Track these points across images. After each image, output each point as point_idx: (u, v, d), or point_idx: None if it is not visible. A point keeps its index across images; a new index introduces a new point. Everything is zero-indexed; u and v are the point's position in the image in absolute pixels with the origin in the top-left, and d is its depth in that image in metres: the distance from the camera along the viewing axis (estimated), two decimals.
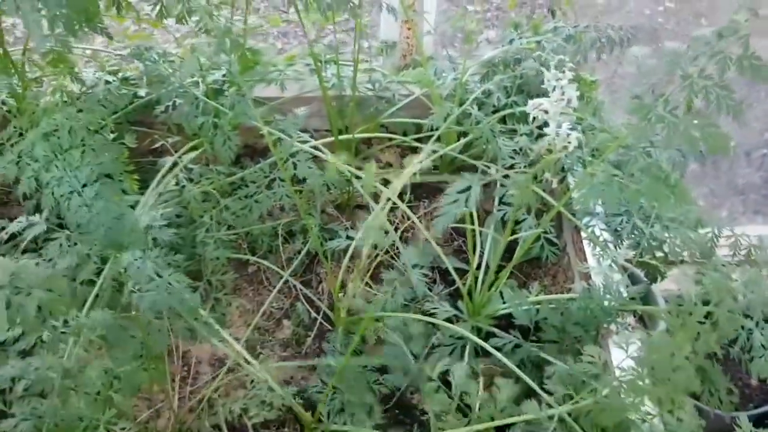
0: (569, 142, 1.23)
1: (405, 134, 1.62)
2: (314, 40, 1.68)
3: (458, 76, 1.52)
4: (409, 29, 1.77)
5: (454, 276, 1.38)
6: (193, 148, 1.49)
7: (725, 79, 0.92)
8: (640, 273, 1.39)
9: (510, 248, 1.51)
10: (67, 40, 1.14)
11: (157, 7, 1.31)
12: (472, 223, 1.49)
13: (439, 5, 1.75)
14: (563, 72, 1.19)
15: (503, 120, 1.54)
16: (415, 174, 1.64)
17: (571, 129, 1.24)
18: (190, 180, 1.39)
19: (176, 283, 1.13)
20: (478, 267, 1.44)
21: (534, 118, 1.20)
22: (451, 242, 1.56)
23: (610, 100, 2.58)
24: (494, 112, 1.55)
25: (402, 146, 1.69)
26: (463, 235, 1.57)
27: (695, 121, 0.94)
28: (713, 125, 0.94)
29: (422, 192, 1.67)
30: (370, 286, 1.44)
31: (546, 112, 1.23)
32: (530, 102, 1.21)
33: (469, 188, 1.10)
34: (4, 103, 1.51)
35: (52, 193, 1.11)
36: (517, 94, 1.57)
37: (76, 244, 1.24)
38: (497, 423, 1.05)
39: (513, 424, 1.06)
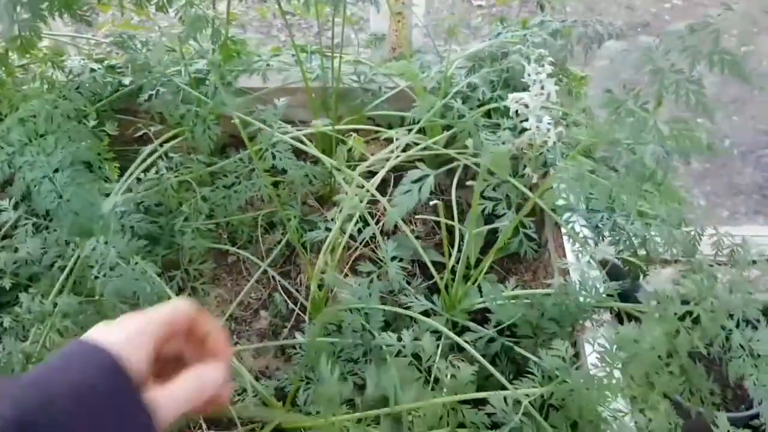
0: (548, 138, 1.23)
1: (390, 127, 1.61)
2: (315, 37, 1.66)
3: (443, 69, 1.51)
4: (398, 22, 1.76)
5: (432, 270, 1.38)
6: (175, 137, 1.49)
7: (696, 74, 0.91)
8: (623, 268, 1.39)
9: (490, 243, 1.51)
10: (36, 26, 1.14)
11: None
12: (452, 218, 1.48)
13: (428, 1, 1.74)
14: (542, 66, 1.19)
15: (488, 114, 1.53)
16: (398, 167, 1.64)
17: (551, 124, 1.24)
18: (169, 168, 1.39)
19: (141, 270, 1.13)
20: (457, 261, 1.44)
21: (516, 112, 1.20)
22: (432, 236, 1.55)
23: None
24: (479, 106, 1.55)
25: (388, 139, 1.68)
26: (447, 230, 1.56)
27: (664, 118, 0.93)
28: (682, 121, 0.93)
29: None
30: (348, 277, 1.44)
31: (526, 106, 1.22)
32: (510, 95, 1.21)
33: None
34: None
35: (23, 178, 1.12)
36: (502, 87, 1.56)
37: (46, 229, 1.24)
38: (462, 397, 1.05)
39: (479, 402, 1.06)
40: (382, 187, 1.65)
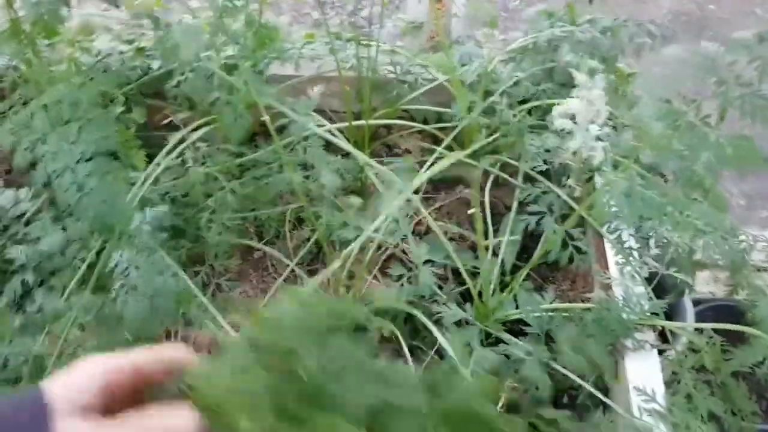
0: (596, 153, 1.16)
1: (425, 121, 1.55)
2: (349, 16, 1.59)
3: (484, 63, 1.44)
4: (438, 9, 1.69)
5: (465, 276, 1.32)
6: (204, 124, 1.44)
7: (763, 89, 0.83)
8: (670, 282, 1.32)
9: (527, 248, 1.44)
10: (56, 10, 1.09)
11: None
12: (486, 219, 1.42)
13: None
14: (594, 82, 1.11)
15: (530, 111, 1.46)
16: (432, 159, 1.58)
17: (598, 139, 1.16)
18: (196, 160, 1.34)
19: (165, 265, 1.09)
20: (492, 267, 1.38)
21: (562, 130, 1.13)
22: (466, 238, 1.49)
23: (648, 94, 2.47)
24: (521, 102, 1.47)
25: (423, 132, 1.61)
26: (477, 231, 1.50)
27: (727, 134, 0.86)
28: (746, 139, 0.85)
29: (440, 183, 1.60)
30: (378, 280, 1.38)
31: (574, 121, 1.15)
32: (555, 110, 1.14)
33: None
34: (15, 68, 1.47)
35: (45, 168, 1.07)
36: (546, 82, 1.48)
37: (69, 218, 1.20)
38: None
39: None
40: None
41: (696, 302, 1.42)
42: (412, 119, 1.54)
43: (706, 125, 0.87)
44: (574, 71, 1.17)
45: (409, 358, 1.22)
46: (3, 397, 0.58)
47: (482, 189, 1.52)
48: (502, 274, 1.39)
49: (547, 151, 1.36)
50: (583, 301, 1.37)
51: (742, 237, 1.35)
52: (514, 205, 1.40)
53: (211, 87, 1.38)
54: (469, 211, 1.39)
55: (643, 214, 1.04)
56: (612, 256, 1.34)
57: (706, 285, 1.63)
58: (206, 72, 1.36)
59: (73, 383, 0.59)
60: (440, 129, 1.51)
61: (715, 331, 1.23)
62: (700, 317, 1.38)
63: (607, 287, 1.28)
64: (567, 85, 1.49)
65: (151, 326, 1.10)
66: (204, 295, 1.25)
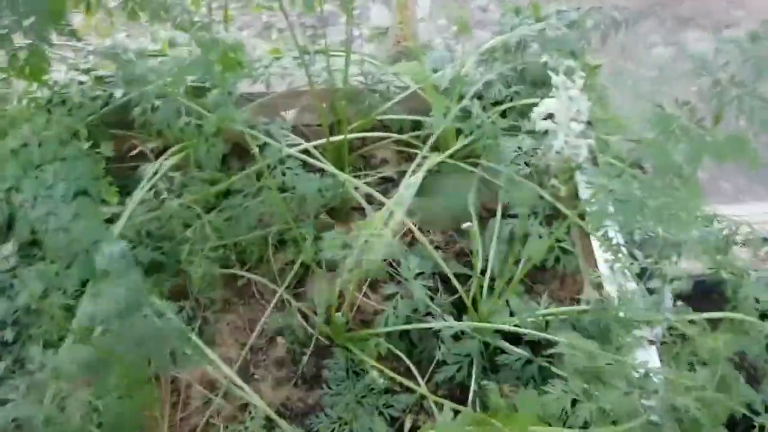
0: (580, 152, 1.15)
1: (401, 130, 1.52)
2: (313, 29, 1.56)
3: (456, 68, 1.42)
4: (402, 13, 1.67)
5: (456, 284, 1.30)
6: (178, 152, 1.40)
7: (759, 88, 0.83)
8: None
9: (512, 249, 1.43)
10: (40, 48, 1.03)
11: (129, 5, 1.20)
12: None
13: None
14: (573, 81, 1.11)
15: (504, 113, 1.45)
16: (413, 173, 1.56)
17: (582, 136, 1.16)
18: (170, 191, 1.30)
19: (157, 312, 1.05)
20: (482, 272, 1.36)
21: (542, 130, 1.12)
22: (452, 245, 1.47)
23: (614, 83, 2.49)
24: (495, 105, 1.46)
25: (399, 141, 1.59)
26: (465, 237, 1.48)
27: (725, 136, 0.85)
28: (745, 142, 0.85)
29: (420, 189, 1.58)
30: (368, 297, 1.36)
31: (552, 119, 1.14)
32: (535, 111, 1.13)
33: None
34: None
35: (25, 218, 1.02)
36: (518, 83, 1.47)
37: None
38: None
39: None
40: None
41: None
42: (387, 129, 1.52)
43: (701, 128, 0.86)
44: (551, 72, 1.16)
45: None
46: None
47: None
48: (491, 278, 1.38)
49: (526, 153, 1.35)
50: (573, 301, 1.37)
51: (724, 224, 1.37)
52: (499, 209, 1.39)
53: (180, 113, 1.34)
54: (463, 226, 1.37)
55: (638, 218, 1.03)
56: (600, 254, 1.34)
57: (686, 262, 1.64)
58: (175, 99, 1.32)
59: None
60: (416, 137, 1.49)
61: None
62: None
63: (599, 286, 1.28)
64: (538, 84, 1.49)
65: (141, 371, 1.06)
66: (191, 330, 1.22)
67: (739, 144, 0.85)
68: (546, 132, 1.15)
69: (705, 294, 1.31)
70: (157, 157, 1.40)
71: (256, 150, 1.11)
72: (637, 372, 1.10)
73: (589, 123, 1.47)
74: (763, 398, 1.11)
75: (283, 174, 1.27)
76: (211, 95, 1.31)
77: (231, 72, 1.32)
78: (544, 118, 1.16)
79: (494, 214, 1.44)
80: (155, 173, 1.34)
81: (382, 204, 1.31)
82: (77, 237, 0.98)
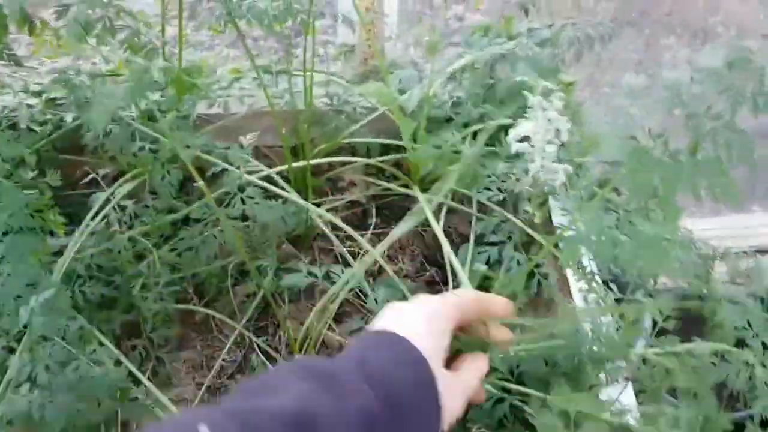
0: (557, 177, 1.10)
1: (369, 153, 1.46)
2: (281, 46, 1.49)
3: (425, 88, 1.36)
4: (368, 31, 1.61)
5: None
6: (132, 178, 1.33)
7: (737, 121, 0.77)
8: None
9: (485, 277, 1.37)
10: None
11: (74, 27, 1.13)
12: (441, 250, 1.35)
13: (401, 5, 1.58)
14: (550, 101, 1.05)
15: (474, 135, 1.39)
16: (379, 191, 1.50)
17: (559, 161, 1.11)
18: (122, 222, 1.23)
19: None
20: None
21: (517, 154, 1.07)
22: (423, 273, 1.41)
23: (591, 98, 2.45)
24: (465, 126, 1.41)
25: (368, 164, 1.53)
26: (436, 264, 1.42)
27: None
28: (723, 174, 0.80)
29: (389, 213, 1.52)
30: (334, 330, 1.29)
31: (528, 141, 1.09)
32: (511, 133, 1.07)
33: None
34: None
35: None
36: (487, 101, 1.41)
37: None
38: None
39: None
40: (364, 218, 1.51)
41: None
42: (355, 152, 1.46)
43: (676, 161, 0.81)
44: (527, 93, 1.11)
45: None
46: (370, 351, 0.60)
47: (436, 218, 1.45)
48: None
49: (499, 177, 1.30)
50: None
51: (704, 249, 1.32)
52: (472, 236, 1.33)
53: (134, 138, 1.28)
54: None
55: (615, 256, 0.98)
56: (574, 282, 1.28)
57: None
58: (127, 124, 1.25)
59: (437, 330, 0.65)
60: (384, 161, 1.42)
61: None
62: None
63: (572, 315, 1.22)
64: (507, 103, 1.43)
65: (84, 422, 0.99)
66: (143, 372, 1.15)
67: (715, 175, 0.80)
68: (520, 155, 1.10)
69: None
70: (111, 183, 1.32)
71: (201, 183, 1.03)
72: (612, 412, 1.05)
73: (562, 144, 1.43)
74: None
75: (243, 202, 1.20)
76: (164, 119, 1.24)
77: (185, 95, 1.25)
78: (520, 140, 1.11)
79: (467, 239, 1.38)
80: (107, 201, 1.27)
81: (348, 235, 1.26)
82: (4, 283, 0.91)
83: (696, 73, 0.80)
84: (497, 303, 0.76)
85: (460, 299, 0.71)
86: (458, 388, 0.65)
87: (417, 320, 0.64)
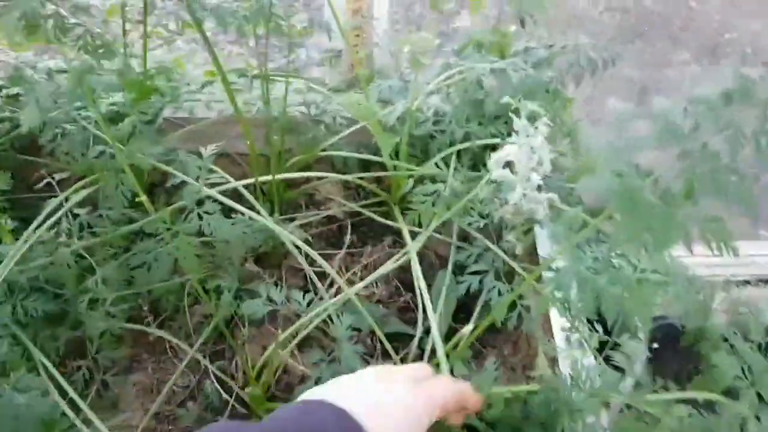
0: (539, 208, 1.01)
1: (346, 167, 1.37)
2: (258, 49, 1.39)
3: (408, 103, 1.27)
4: (357, 36, 1.52)
5: (389, 349, 1.15)
6: (89, 185, 1.24)
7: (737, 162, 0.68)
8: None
9: (464, 306, 1.28)
10: None
11: (21, 23, 1.04)
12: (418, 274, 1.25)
13: (391, 12, 1.49)
14: (536, 128, 0.96)
15: (458, 155, 1.30)
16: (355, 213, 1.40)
17: (543, 190, 1.02)
18: (69, 234, 1.14)
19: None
20: (426, 332, 1.21)
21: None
22: (396, 297, 1.32)
23: (589, 115, 2.35)
24: (450, 144, 1.31)
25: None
26: (412, 289, 1.33)
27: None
28: (717, 220, 0.70)
29: (367, 230, 1.42)
30: (297, 358, 1.20)
31: (512, 167, 1.00)
32: (492, 158, 0.99)
33: None
34: None
35: None
36: (475, 119, 1.32)
37: None
38: None
39: None
40: (340, 234, 1.42)
41: None
42: (333, 164, 1.37)
43: (668, 204, 0.71)
44: (513, 115, 1.02)
45: None
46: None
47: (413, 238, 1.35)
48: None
49: (481, 202, 1.20)
50: (526, 370, 1.22)
51: (702, 286, 1.22)
52: (450, 262, 1.24)
53: (89, 142, 1.19)
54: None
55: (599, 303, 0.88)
56: (556, 318, 1.19)
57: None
58: (83, 127, 1.17)
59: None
60: (362, 177, 1.33)
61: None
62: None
63: (554, 360, 1.13)
64: (498, 119, 1.34)
65: None
66: (86, 396, 1.06)
67: (709, 221, 0.71)
68: (503, 182, 1.02)
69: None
70: (67, 188, 1.24)
71: (143, 197, 0.94)
72: None
73: (548, 176, 1.34)
74: None
75: (200, 217, 1.11)
76: (123, 124, 1.15)
77: (146, 98, 1.17)
78: (502, 166, 1.03)
79: (447, 263, 1.29)
80: (60, 207, 1.19)
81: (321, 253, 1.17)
82: None
83: (691, 104, 0.71)
84: (471, 400, 0.73)
85: (446, 400, 0.68)
86: None
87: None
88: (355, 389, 0.62)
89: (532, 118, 0.98)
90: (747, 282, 1.79)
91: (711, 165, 0.68)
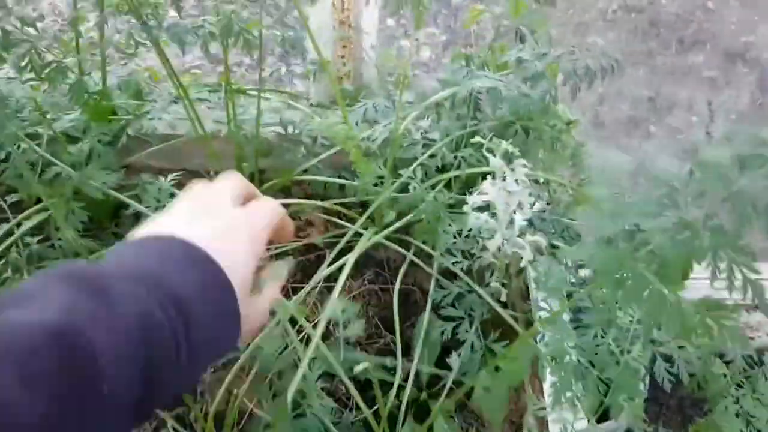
0: (523, 253, 0.91)
1: (326, 192, 1.27)
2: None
3: (392, 126, 1.16)
4: (344, 47, 1.41)
5: (361, 404, 1.05)
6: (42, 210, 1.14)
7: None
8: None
9: (448, 349, 1.17)
10: None
11: None
12: (402, 317, 1.15)
13: (381, 24, 1.38)
14: (512, 170, 0.86)
15: (449, 184, 1.19)
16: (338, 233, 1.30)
17: (526, 230, 0.92)
18: (17, 267, 1.04)
19: None
20: (406, 379, 1.11)
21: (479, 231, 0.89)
22: (376, 339, 1.21)
23: (594, 133, 2.23)
24: (440, 171, 1.21)
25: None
26: (393, 329, 1.23)
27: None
28: (720, 307, 0.59)
29: (364, 263, 1.31)
30: (261, 406, 1.10)
31: (490, 210, 0.91)
32: (470, 201, 0.89)
33: None
34: None
35: None
36: (467, 145, 1.21)
37: None
38: None
39: None
40: (319, 263, 1.32)
41: None
42: (309, 194, 1.26)
43: (664, 283, 0.60)
44: (489, 154, 0.91)
45: None
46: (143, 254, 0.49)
47: (395, 272, 1.25)
48: (418, 388, 1.13)
49: (468, 236, 1.09)
50: (513, 425, 1.11)
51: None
52: (429, 302, 1.13)
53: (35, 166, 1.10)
54: None
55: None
56: (548, 373, 1.08)
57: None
58: (33, 150, 1.07)
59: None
60: (343, 204, 1.23)
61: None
62: None
63: (542, 422, 1.02)
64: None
65: None
66: None
67: (717, 311, 0.60)
68: (494, 214, 0.91)
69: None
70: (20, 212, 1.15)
71: (67, 233, 0.85)
72: None
73: (548, 204, 1.23)
74: None
75: None
76: (77, 147, 1.06)
77: (102, 118, 1.07)
78: (481, 207, 0.92)
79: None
80: (10, 232, 1.10)
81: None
82: None
83: (697, 167, 0.60)
84: (289, 228, 0.63)
85: (274, 222, 0.59)
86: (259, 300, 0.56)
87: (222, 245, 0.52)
88: (183, 222, 0.53)
89: (509, 158, 0.88)
90: (756, 307, 1.69)
91: (714, 241, 0.57)
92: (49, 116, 1.08)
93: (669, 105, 2.51)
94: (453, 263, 1.08)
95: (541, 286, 1.07)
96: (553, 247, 1.15)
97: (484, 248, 0.92)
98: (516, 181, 0.89)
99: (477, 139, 0.86)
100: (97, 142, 1.09)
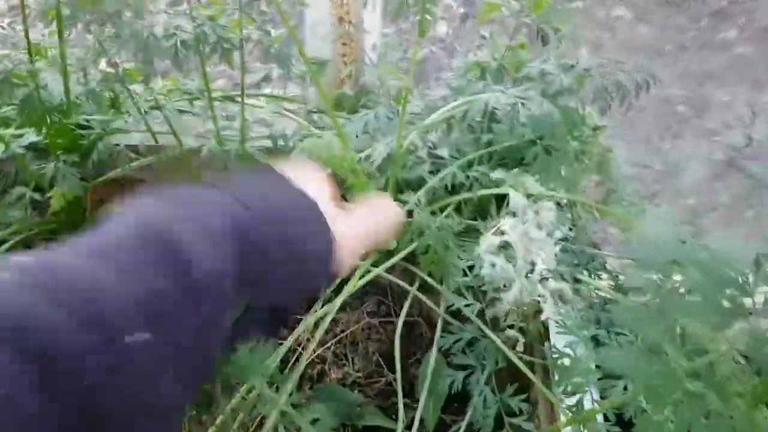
0: (544, 304, 0.79)
1: None
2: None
3: (393, 143, 1.03)
4: (344, 45, 1.27)
5: None
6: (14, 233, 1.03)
7: None
8: None
9: (458, 396, 1.06)
10: None
11: None
12: (406, 352, 1.03)
13: (382, 27, 1.24)
14: (536, 212, 0.74)
15: (459, 207, 1.06)
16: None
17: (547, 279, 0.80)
18: None
19: None
20: (409, 427, 0.99)
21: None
22: (377, 378, 1.09)
23: (624, 134, 2.08)
24: (450, 192, 1.07)
25: None
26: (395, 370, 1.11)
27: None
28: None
29: (368, 289, 1.18)
30: None
31: (507, 251, 0.79)
32: (482, 246, 0.77)
33: None
34: None
35: None
36: (480, 163, 1.08)
37: None
38: None
39: None
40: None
41: None
42: None
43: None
44: (510, 189, 0.79)
45: None
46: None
47: (399, 300, 1.13)
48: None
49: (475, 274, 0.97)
50: None
51: None
52: (435, 345, 1.01)
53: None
54: None
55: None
56: (567, 429, 0.96)
57: None
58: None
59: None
60: None
61: None
62: None
63: None
64: (509, 165, 1.09)
65: None
66: None
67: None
68: (505, 247, 0.79)
69: None
70: None
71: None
72: None
73: (571, 230, 1.10)
74: None
75: None
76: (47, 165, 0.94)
77: (64, 137, 0.94)
78: (495, 251, 0.80)
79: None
80: None
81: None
82: None
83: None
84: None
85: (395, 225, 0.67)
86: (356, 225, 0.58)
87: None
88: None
89: (530, 200, 0.75)
90: None
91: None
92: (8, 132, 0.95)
93: (704, 105, 2.34)
94: (464, 305, 0.95)
95: (561, 330, 0.94)
96: (577, 281, 1.02)
97: (498, 298, 0.80)
98: (539, 225, 0.76)
99: (497, 174, 0.73)
100: (63, 162, 0.96)
